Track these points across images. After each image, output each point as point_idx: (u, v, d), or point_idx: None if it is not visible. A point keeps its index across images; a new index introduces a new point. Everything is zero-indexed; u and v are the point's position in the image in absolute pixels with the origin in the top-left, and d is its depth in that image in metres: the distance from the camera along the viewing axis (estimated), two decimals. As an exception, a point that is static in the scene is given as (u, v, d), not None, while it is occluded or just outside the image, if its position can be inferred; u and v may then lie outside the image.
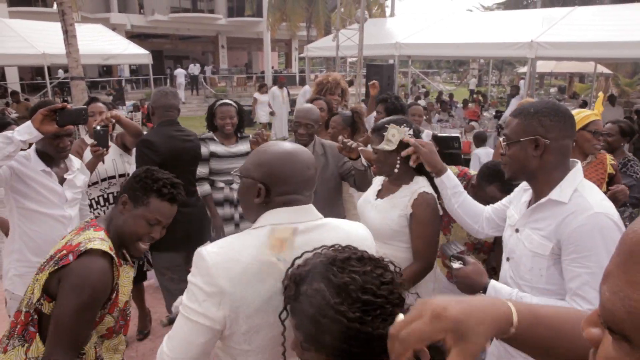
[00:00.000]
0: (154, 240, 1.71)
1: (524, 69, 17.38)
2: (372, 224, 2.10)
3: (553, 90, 24.07)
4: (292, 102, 13.35)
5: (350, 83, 13.88)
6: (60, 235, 2.43)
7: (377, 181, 2.36)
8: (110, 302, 1.63)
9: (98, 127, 2.86)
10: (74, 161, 2.63)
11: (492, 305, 0.77)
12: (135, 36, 24.78)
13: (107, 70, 24.90)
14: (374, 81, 5.19)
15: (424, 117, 5.45)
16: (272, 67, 31.87)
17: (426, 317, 0.72)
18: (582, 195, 1.53)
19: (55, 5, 21.07)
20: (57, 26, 11.61)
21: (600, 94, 3.57)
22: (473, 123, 11.19)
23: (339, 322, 0.89)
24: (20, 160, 2.34)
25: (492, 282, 1.59)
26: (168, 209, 1.69)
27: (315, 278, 0.95)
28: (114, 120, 2.94)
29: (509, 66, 32.93)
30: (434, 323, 0.72)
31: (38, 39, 12.16)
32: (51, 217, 2.43)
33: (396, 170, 2.10)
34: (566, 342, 0.79)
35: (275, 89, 12.87)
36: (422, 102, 13.59)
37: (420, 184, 2.12)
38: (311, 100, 3.91)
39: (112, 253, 1.60)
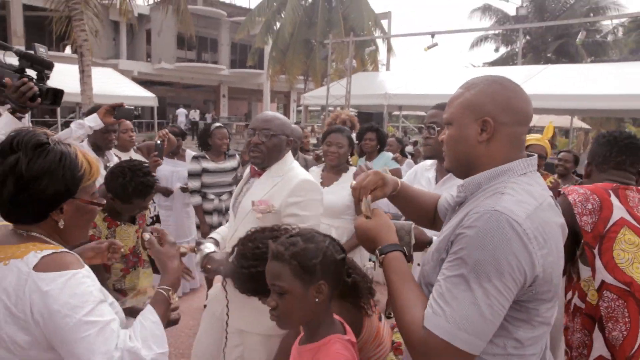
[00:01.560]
0: None
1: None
2: (328, 204, 2.75)
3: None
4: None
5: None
6: None
7: (315, 174, 3.13)
8: None
9: (159, 141, 3.53)
10: (113, 156, 3.35)
11: (394, 178, 1.53)
12: (141, 82, 25.88)
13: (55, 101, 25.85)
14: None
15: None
16: (270, 117, 33.01)
17: (372, 174, 1.45)
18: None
19: (66, 50, 22.25)
20: (68, 68, 12.53)
21: (550, 123, 4.12)
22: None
23: None
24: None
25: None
26: None
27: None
28: (167, 136, 3.62)
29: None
30: (376, 175, 1.44)
31: (53, 79, 13.01)
32: None
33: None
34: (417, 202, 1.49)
35: None
36: (409, 148, 14.37)
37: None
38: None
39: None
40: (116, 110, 2.77)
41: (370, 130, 4.49)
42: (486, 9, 25.48)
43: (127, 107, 2.79)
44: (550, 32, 23.18)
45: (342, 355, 1.36)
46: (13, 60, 2.22)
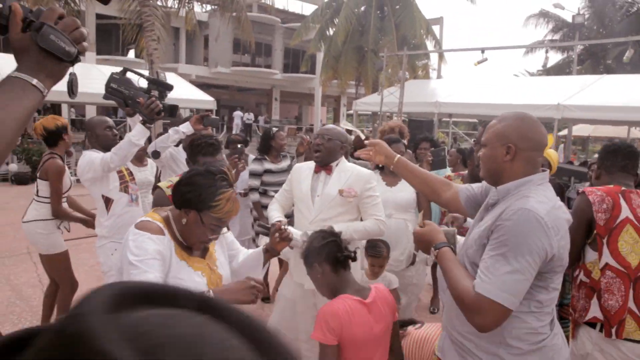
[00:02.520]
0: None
1: (564, 132, 18.09)
2: (400, 200, 3.52)
3: (594, 155, 24.38)
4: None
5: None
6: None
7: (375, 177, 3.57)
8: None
9: (239, 145, 4.11)
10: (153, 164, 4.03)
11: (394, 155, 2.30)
12: (198, 85, 27.04)
13: (171, 113, 27.21)
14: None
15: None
16: (321, 121, 33.75)
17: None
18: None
19: (129, 54, 23.58)
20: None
21: (550, 136, 4.47)
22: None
23: None
24: (176, 150, 3.73)
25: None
26: None
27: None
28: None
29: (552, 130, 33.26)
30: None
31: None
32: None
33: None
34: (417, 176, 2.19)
35: None
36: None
37: None
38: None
39: (168, 189, 2.39)
40: (204, 120, 3.33)
41: (425, 140, 5.12)
42: (542, 15, 25.06)
43: (213, 117, 3.34)
44: (611, 37, 22.52)
45: (332, 304, 2.01)
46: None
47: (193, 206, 1.75)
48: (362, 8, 21.46)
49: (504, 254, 1.54)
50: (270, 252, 2.12)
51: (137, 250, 1.69)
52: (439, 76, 26.37)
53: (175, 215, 1.83)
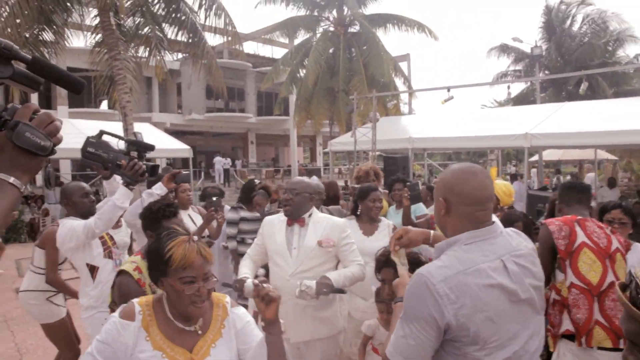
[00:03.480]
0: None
1: (535, 158, 18.59)
2: (374, 250, 3.26)
3: (567, 177, 25.05)
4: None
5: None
6: None
7: (351, 226, 3.54)
8: None
9: (214, 198, 4.10)
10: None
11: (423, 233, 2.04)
12: (173, 133, 27.04)
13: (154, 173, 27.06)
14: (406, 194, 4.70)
15: None
16: (298, 161, 33.97)
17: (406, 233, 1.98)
18: None
19: (102, 105, 23.54)
20: (109, 125, 13.48)
21: (493, 169, 4.80)
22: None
23: None
24: None
25: None
26: None
27: None
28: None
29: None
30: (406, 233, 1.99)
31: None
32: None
33: None
34: None
35: (304, 178, 14.69)
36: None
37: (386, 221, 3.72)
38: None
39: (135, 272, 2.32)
40: (176, 177, 3.32)
41: (398, 181, 5.02)
42: (503, 48, 26.12)
43: (184, 172, 3.34)
44: (569, 66, 23.52)
45: None
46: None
47: (159, 275, 1.69)
48: (331, 50, 22.03)
49: (401, 318, 1.54)
50: (267, 327, 1.65)
51: (104, 332, 1.68)
52: (410, 111, 27.02)
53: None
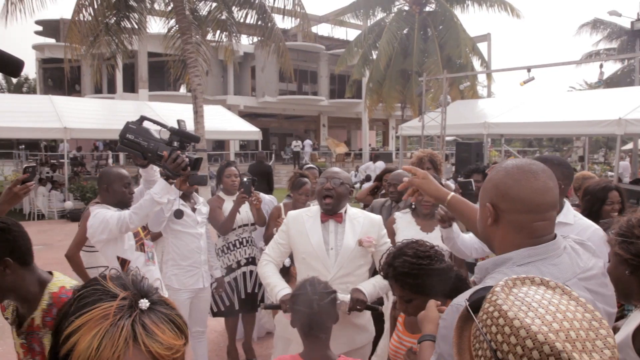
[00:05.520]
0: None
1: (629, 146, 16.90)
2: None
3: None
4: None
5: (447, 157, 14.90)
6: (196, 246, 3.57)
7: (406, 222, 3.16)
8: None
9: (245, 179, 3.83)
10: (199, 198, 3.75)
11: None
12: (246, 115, 27.66)
13: (220, 144, 27.85)
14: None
15: None
16: (370, 145, 33.50)
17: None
18: None
19: (181, 89, 24.46)
20: (182, 108, 13.84)
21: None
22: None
23: None
24: None
25: None
26: None
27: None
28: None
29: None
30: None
31: (169, 117, 14.44)
32: (189, 233, 3.54)
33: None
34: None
35: (370, 163, 14.33)
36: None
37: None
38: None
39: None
40: (189, 179, 2.99)
41: (477, 172, 4.26)
42: (596, 24, 23.90)
43: (200, 174, 2.97)
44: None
45: None
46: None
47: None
48: (405, 30, 21.23)
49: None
50: None
51: None
52: (489, 94, 25.60)
53: None
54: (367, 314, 2.71)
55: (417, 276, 1.82)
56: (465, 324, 1.03)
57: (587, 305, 0.89)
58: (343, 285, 2.50)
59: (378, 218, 2.75)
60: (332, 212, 2.62)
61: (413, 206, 3.21)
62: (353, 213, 2.69)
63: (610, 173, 16.77)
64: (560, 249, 1.28)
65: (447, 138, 18.68)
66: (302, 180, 4.04)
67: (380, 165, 15.35)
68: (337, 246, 2.57)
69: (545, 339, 0.79)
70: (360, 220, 2.64)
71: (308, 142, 28.17)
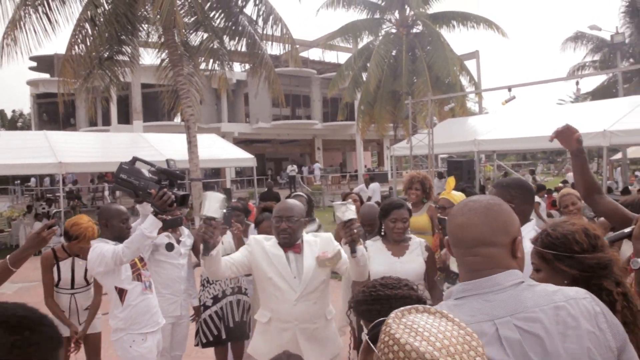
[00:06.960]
0: None
1: (619, 156, 17.20)
2: (408, 272, 2.97)
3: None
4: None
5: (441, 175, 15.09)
6: (177, 275, 3.76)
7: (377, 249, 3.23)
8: None
9: (224, 210, 3.90)
10: (184, 230, 3.90)
11: None
12: (241, 142, 27.92)
13: (216, 171, 27.99)
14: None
15: None
16: (365, 166, 33.73)
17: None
18: None
19: (176, 118, 24.69)
20: (178, 137, 14.01)
21: (450, 180, 4.21)
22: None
23: None
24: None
25: None
26: None
27: None
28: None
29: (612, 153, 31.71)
30: None
31: (164, 147, 14.55)
32: (172, 264, 3.73)
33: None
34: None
35: (362, 186, 14.65)
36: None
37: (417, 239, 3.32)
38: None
39: None
40: (163, 224, 3.01)
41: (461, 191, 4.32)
42: (579, 37, 24.33)
43: (172, 217, 3.08)
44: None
45: None
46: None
47: None
48: (393, 52, 21.64)
49: None
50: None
51: None
52: (480, 111, 25.94)
53: None
54: (333, 325, 2.85)
55: (371, 302, 1.89)
56: (368, 355, 1.19)
57: (461, 324, 1.04)
58: (309, 302, 2.65)
59: (328, 235, 2.93)
60: (289, 245, 2.75)
61: (383, 233, 3.29)
62: (308, 240, 2.82)
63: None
64: (501, 285, 1.24)
65: (442, 155, 18.85)
66: (261, 217, 4.24)
67: (376, 187, 15.38)
68: (299, 274, 2.69)
69: (432, 357, 0.95)
70: (313, 242, 2.80)
71: (317, 165, 29.01)
